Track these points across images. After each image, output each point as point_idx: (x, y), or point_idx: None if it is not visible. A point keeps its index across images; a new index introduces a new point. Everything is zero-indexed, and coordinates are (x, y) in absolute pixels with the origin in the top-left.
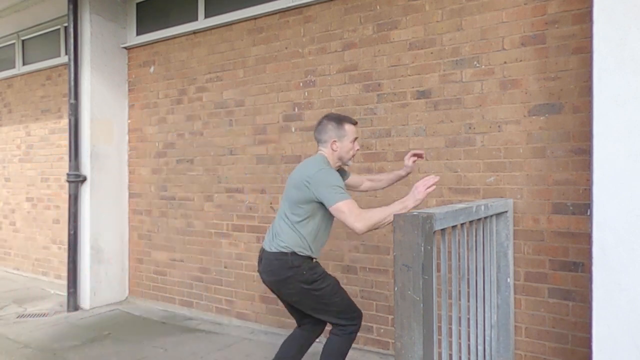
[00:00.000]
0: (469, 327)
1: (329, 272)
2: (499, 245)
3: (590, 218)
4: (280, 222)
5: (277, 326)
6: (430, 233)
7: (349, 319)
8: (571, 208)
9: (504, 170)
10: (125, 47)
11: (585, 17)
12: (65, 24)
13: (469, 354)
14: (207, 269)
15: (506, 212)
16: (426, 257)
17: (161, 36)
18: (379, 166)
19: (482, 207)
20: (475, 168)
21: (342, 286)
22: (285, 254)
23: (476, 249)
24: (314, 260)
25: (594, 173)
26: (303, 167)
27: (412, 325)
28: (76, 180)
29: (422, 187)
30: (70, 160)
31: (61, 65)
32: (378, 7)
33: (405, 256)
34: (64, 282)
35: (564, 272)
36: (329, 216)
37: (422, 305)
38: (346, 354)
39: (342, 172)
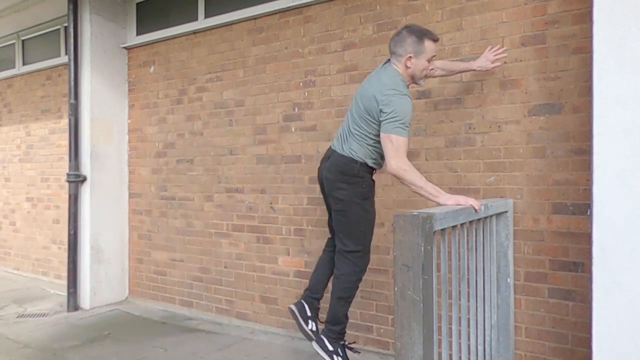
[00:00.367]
0: (469, 327)
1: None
2: (499, 245)
3: (590, 218)
4: (348, 135)
5: (277, 326)
6: (430, 233)
7: (360, 253)
8: (571, 208)
9: (504, 170)
10: (125, 47)
11: (585, 17)
12: (65, 24)
13: (469, 354)
14: (207, 269)
15: (506, 212)
16: (426, 257)
17: (161, 36)
18: None
19: (482, 207)
20: (475, 168)
21: None
22: (356, 161)
23: (476, 249)
24: (374, 180)
25: (594, 173)
26: (376, 82)
27: (412, 325)
28: (76, 180)
29: (463, 200)
30: (70, 160)
31: (61, 65)
32: (378, 7)
33: (405, 256)
34: (64, 282)
35: (564, 272)
36: None
37: (422, 305)
38: (351, 293)
39: None
